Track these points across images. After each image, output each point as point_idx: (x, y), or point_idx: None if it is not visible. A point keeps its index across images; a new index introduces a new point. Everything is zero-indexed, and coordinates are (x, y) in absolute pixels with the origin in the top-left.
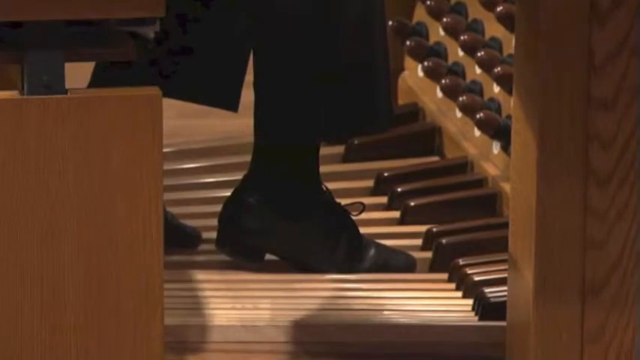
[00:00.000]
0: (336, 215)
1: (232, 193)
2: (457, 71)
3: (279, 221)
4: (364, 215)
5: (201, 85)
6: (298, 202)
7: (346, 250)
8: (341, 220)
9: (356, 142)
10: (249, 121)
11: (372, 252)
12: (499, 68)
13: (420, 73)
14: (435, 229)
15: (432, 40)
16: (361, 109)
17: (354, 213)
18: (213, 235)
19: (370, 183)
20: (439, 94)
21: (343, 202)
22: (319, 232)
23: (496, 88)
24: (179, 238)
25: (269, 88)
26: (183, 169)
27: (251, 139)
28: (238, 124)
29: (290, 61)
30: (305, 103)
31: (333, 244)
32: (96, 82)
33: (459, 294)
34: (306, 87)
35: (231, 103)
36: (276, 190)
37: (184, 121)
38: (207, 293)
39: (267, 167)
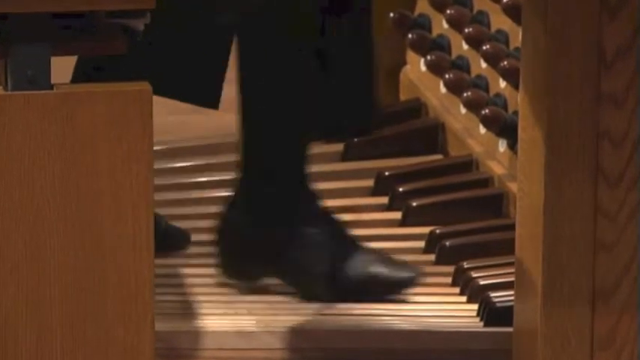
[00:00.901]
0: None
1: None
2: (461, 65)
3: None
4: (364, 216)
5: (182, 82)
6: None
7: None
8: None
9: (355, 139)
10: None
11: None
12: (505, 62)
13: (423, 68)
14: (438, 231)
15: (435, 32)
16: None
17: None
18: (205, 237)
19: (370, 182)
20: (442, 89)
21: (342, 202)
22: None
23: (502, 83)
24: (167, 240)
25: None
26: (174, 167)
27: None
28: (232, 120)
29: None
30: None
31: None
32: (78, 77)
33: (464, 298)
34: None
35: (210, 100)
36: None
37: (176, 118)
38: (200, 298)
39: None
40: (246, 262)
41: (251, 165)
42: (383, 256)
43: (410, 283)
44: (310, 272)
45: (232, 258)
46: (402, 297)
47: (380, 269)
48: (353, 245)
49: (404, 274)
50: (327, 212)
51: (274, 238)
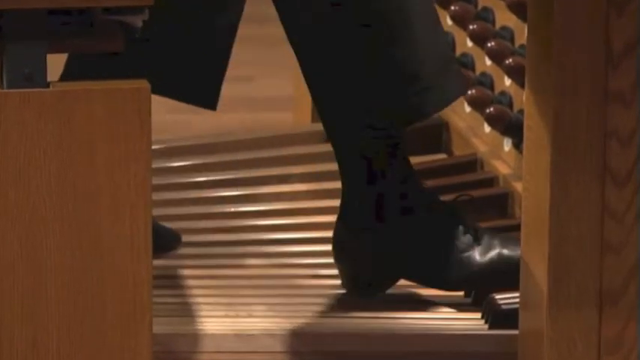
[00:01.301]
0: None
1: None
2: (466, 63)
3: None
4: None
5: (180, 82)
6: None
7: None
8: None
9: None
10: (243, 117)
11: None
12: (510, 60)
13: None
14: None
15: None
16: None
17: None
18: (203, 237)
19: None
20: None
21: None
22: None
23: (507, 81)
24: (157, 241)
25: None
26: (172, 167)
27: (244, 134)
28: (231, 119)
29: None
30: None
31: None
32: (71, 75)
33: (468, 301)
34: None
35: (209, 101)
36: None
37: (174, 117)
38: (199, 300)
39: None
40: (371, 274)
41: (346, 169)
42: (503, 235)
43: None
44: (439, 263)
45: (355, 276)
46: (405, 300)
47: (512, 250)
48: (471, 225)
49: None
50: (433, 193)
51: (385, 237)
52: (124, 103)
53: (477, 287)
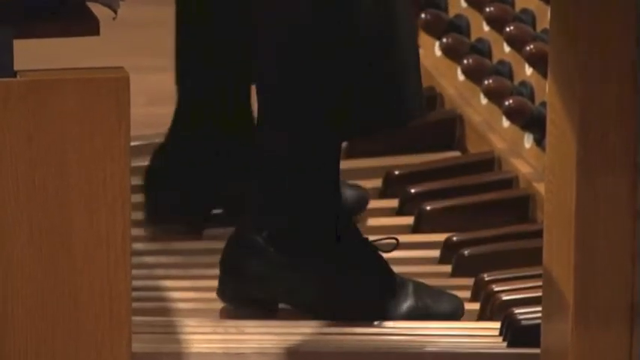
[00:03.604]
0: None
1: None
2: (482, 50)
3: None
4: (371, 222)
5: None
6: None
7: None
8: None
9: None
10: None
11: (409, 293)
12: (532, 46)
13: (438, 52)
14: (455, 238)
15: (452, 12)
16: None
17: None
18: (189, 245)
19: (378, 183)
20: (460, 76)
21: None
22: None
23: (528, 70)
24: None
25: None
26: None
27: None
28: None
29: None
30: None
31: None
32: None
33: (485, 315)
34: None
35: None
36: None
37: (156, 110)
38: (184, 315)
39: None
40: (258, 288)
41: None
42: (422, 284)
43: (455, 316)
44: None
45: (238, 283)
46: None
47: (426, 300)
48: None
49: (446, 306)
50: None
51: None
52: (99, 95)
53: None
